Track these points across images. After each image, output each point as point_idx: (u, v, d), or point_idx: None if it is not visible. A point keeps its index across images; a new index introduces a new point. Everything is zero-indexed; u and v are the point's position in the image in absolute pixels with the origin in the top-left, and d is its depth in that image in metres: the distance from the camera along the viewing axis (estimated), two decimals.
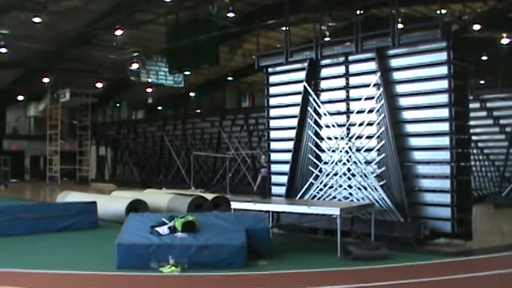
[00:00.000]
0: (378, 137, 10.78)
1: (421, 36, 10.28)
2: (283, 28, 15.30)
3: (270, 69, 12.81)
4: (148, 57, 28.79)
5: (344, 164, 11.19)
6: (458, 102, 10.20)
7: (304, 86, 11.81)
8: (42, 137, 36.23)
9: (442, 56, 10.05)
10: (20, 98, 38.07)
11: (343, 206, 9.69)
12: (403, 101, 10.60)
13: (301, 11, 16.86)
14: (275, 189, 12.56)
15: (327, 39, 15.39)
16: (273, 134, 12.81)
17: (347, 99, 11.37)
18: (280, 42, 18.90)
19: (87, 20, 25.39)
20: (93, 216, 12.68)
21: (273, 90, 12.79)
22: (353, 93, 11.30)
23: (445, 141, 10.00)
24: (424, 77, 10.28)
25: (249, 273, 7.82)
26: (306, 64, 11.88)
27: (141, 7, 23.21)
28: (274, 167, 12.71)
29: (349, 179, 11.12)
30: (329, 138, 11.57)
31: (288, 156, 12.04)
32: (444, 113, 10.01)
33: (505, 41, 22.69)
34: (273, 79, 12.79)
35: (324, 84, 11.83)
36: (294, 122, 11.99)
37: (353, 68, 11.37)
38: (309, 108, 11.82)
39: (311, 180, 11.65)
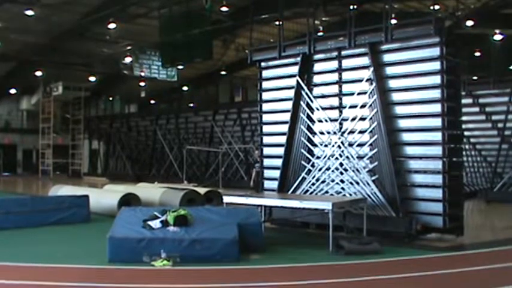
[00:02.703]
0: (371, 131, 10.79)
1: (414, 31, 10.26)
2: (277, 23, 15.30)
3: (263, 64, 12.79)
4: (142, 51, 28.71)
5: (336, 158, 11.21)
6: (451, 97, 10.21)
7: (297, 81, 11.80)
8: (35, 130, 36.05)
9: (435, 51, 10.05)
10: (13, 91, 37.83)
11: (335, 201, 9.69)
12: (396, 96, 10.61)
13: (295, 6, 16.84)
14: (267, 184, 12.56)
15: (320, 34, 15.38)
16: (266, 129, 12.80)
17: (340, 94, 11.37)
18: (273, 36, 18.93)
19: (80, 13, 25.23)
20: (86, 210, 12.67)
21: (265, 84, 12.78)
22: (346, 88, 11.30)
23: (438, 136, 10.03)
24: (417, 72, 10.28)
25: (241, 267, 7.84)
26: (299, 59, 11.87)
27: (134, 0, 23.10)
28: (266, 162, 12.71)
29: (341, 173, 11.13)
30: (321, 133, 11.57)
31: (280, 151, 12.03)
32: (437, 108, 10.02)
33: (497, 37, 22.79)
34: (266, 73, 12.77)
35: (316, 79, 11.83)
36: (286, 117, 11.98)
37: (346, 63, 11.35)
38: (301, 102, 11.82)
39: (303, 174, 11.66)
